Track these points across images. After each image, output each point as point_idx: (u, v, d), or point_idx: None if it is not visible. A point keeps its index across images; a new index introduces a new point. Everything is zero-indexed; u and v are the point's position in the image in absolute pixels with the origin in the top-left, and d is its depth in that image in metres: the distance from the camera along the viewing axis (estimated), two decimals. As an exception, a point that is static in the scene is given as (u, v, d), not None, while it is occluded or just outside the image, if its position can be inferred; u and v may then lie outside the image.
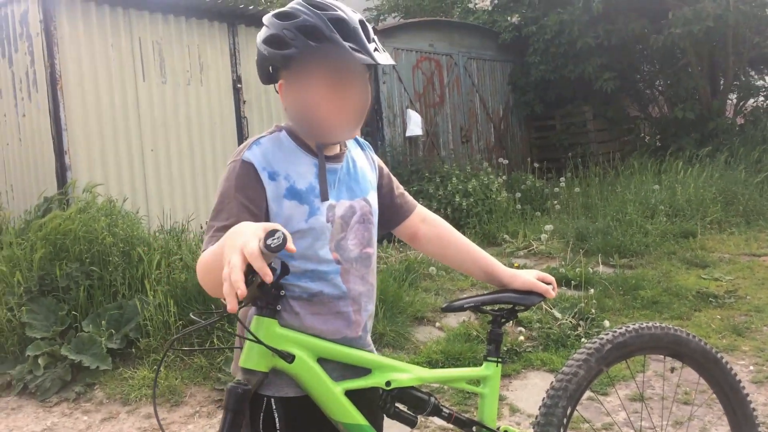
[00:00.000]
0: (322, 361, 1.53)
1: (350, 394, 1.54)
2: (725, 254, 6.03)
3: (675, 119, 9.60)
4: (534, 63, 10.09)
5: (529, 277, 1.84)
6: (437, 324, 4.75)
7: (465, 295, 1.88)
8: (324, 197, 1.54)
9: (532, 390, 3.88)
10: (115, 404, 3.97)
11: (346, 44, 1.46)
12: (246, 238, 1.21)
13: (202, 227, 5.81)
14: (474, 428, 1.73)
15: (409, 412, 1.62)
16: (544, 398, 1.89)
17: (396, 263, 5.64)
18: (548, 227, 6.68)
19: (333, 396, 1.51)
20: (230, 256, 1.20)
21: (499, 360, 1.78)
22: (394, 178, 1.83)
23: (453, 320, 4.81)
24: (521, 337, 4.40)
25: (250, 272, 1.20)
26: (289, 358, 1.47)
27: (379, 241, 1.74)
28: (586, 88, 9.99)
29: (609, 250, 6.07)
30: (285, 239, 1.17)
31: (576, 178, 8.60)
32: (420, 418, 1.69)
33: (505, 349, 4.19)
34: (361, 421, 1.54)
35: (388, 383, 1.57)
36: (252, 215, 1.45)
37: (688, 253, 5.96)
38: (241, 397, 1.40)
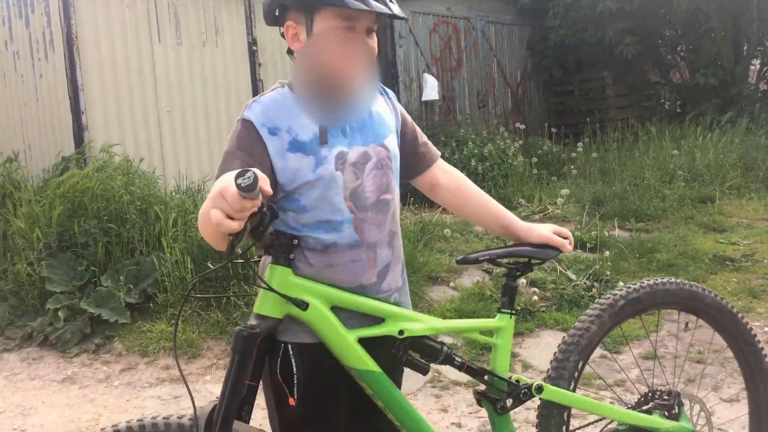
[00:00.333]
0: (337, 309, 1.54)
1: (368, 346, 1.55)
2: (743, 219, 5.97)
3: (696, 85, 9.43)
4: (553, 27, 9.92)
5: (545, 231, 1.83)
6: (451, 284, 4.77)
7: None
8: (323, 140, 1.52)
9: (544, 348, 3.90)
10: (133, 356, 4.05)
11: None
12: (225, 183, 1.24)
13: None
14: (486, 377, 1.75)
15: (421, 360, 1.63)
16: (555, 352, 1.90)
17: (411, 225, 5.64)
18: (564, 191, 6.64)
19: (346, 343, 1.53)
20: (213, 203, 1.25)
21: (513, 312, 1.78)
22: (417, 127, 1.80)
23: (467, 280, 4.82)
24: (535, 297, 4.41)
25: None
26: (303, 305, 1.48)
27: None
28: (607, 53, 9.81)
29: (625, 214, 6.03)
30: (255, 178, 1.19)
31: (594, 144, 8.51)
32: (433, 372, 1.71)
33: (518, 308, 4.20)
34: (374, 367, 1.55)
35: (401, 332, 1.58)
36: None
37: (706, 217, 5.91)
38: (247, 340, 1.42)
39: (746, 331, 2.10)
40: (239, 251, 1.46)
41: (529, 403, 3.22)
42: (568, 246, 1.83)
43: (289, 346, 1.56)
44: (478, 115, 9.60)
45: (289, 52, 1.58)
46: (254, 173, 1.19)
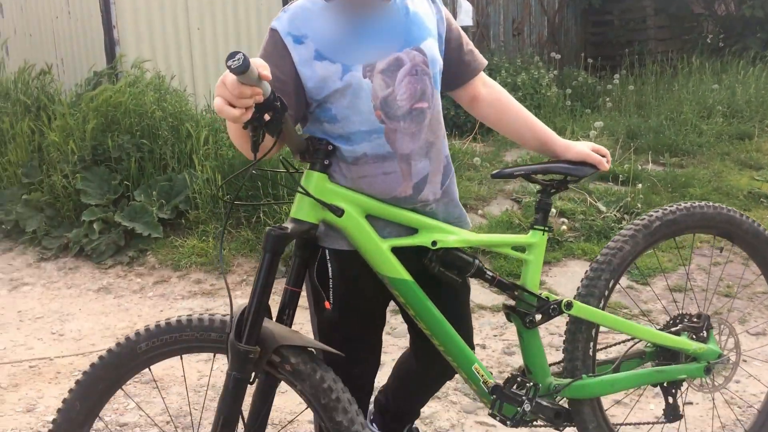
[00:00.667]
0: (371, 218, 1.55)
1: (405, 260, 1.57)
2: (781, 157, 5.84)
3: (742, 17, 9.05)
4: (595, -48, 9.53)
5: (583, 148, 1.79)
6: (479, 212, 4.76)
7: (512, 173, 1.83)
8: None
9: (571, 277, 3.91)
10: (166, 269, 4.15)
11: None
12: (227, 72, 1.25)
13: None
14: (516, 292, 1.76)
15: (452, 273, 1.64)
16: (587, 270, 1.90)
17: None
18: (598, 124, 6.51)
19: (380, 250, 1.54)
20: (216, 92, 1.27)
21: (546, 229, 1.77)
22: (463, 34, 1.73)
23: (495, 208, 4.81)
24: (564, 227, 4.39)
25: (257, 110, 1.28)
26: (338, 211, 1.50)
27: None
28: (649, -19, 9.43)
29: (660, 148, 5.91)
30: (246, 59, 1.18)
31: (631, 76, 8.27)
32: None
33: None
34: (406, 276, 1.57)
35: (434, 243, 1.58)
36: (278, 80, 1.44)
37: (743, 154, 5.78)
38: (277, 240, 1.44)
39: (784, 259, 2.08)
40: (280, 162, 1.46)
41: (552, 328, 3.27)
42: (605, 164, 1.80)
43: (327, 252, 1.59)
44: (512, 43, 9.36)
45: None
46: (243, 54, 1.18)
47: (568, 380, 1.81)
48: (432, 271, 1.61)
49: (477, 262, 1.66)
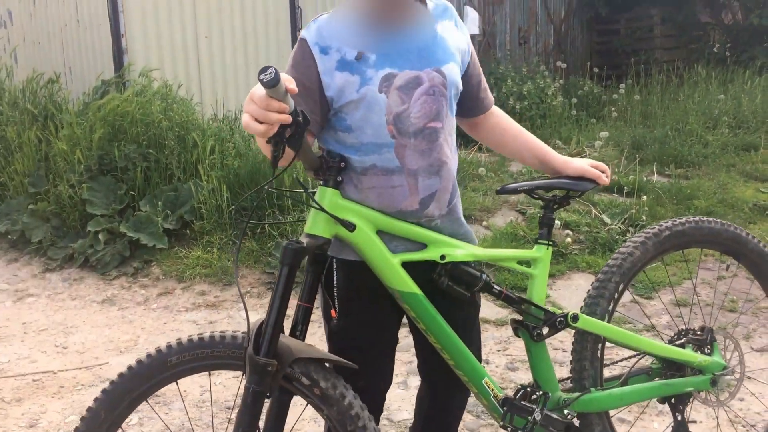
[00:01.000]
0: (382, 233, 1.60)
1: (415, 275, 1.61)
2: (788, 169, 5.82)
3: (750, 26, 9.05)
4: (602, -40, 9.54)
5: (581, 163, 1.85)
6: (484, 223, 4.77)
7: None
8: (359, 56, 1.53)
9: (575, 290, 3.91)
10: (170, 280, 4.16)
11: None
12: (255, 87, 1.30)
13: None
14: (523, 306, 1.78)
15: (460, 287, 1.66)
16: (598, 274, 1.93)
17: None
18: (603, 134, 6.51)
19: (390, 265, 1.58)
20: (245, 108, 1.32)
21: (550, 243, 1.81)
22: (482, 72, 1.80)
23: (500, 220, 4.81)
24: (568, 239, 4.39)
25: (280, 125, 1.31)
26: (351, 227, 1.54)
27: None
28: (656, -11, 9.43)
29: (665, 159, 5.91)
30: (277, 73, 1.22)
31: (637, 86, 8.27)
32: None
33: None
34: (416, 290, 1.61)
35: (442, 257, 1.62)
36: (304, 87, 1.51)
37: (749, 166, 5.77)
38: (294, 253, 1.48)
39: (786, 282, 2.09)
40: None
41: (555, 343, 3.26)
42: (604, 178, 1.85)
43: (334, 261, 1.64)
44: (518, 51, 9.37)
45: None
46: (275, 69, 1.22)
47: (577, 394, 1.83)
48: (440, 285, 1.65)
49: (485, 276, 1.69)
